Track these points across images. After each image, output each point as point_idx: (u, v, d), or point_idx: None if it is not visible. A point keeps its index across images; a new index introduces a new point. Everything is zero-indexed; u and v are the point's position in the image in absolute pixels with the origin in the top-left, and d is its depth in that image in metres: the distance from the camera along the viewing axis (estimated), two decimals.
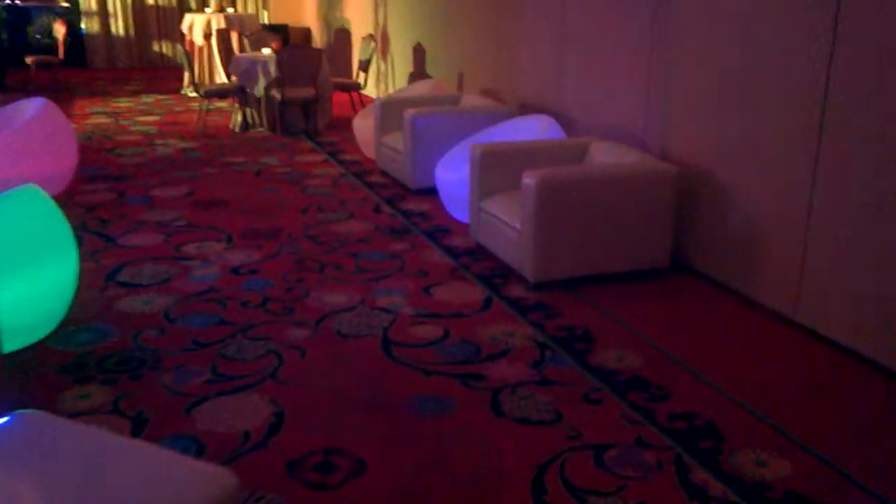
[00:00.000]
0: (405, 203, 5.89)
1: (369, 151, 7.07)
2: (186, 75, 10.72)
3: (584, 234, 4.23)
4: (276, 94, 8.08)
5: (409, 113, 5.93)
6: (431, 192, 5.93)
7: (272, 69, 8.03)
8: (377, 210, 5.72)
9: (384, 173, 6.67)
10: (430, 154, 5.96)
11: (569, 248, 4.23)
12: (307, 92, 8.10)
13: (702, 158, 4.45)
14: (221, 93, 8.50)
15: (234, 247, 4.94)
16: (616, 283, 4.37)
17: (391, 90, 9.98)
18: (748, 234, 4.16)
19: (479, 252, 4.85)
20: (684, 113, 4.59)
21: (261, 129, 8.49)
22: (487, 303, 4.14)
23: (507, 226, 4.42)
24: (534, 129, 5.43)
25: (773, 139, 3.94)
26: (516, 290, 4.29)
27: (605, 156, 4.70)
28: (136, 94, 11.19)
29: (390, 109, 6.52)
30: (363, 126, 7.12)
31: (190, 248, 4.89)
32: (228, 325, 3.84)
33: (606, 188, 4.23)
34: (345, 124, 8.68)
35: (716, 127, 4.33)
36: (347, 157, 7.37)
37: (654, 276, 4.46)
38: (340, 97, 9.28)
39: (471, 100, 6.53)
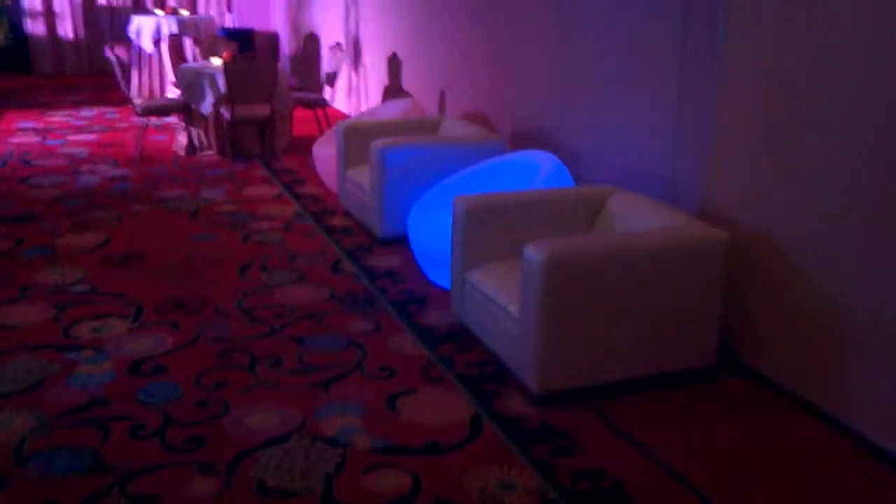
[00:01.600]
0: (371, 257, 4.74)
1: (332, 184, 5.92)
2: (135, 85, 9.51)
3: (605, 326, 3.10)
4: (224, 112, 6.91)
5: (378, 144, 4.78)
6: (403, 241, 4.80)
7: (222, 83, 6.86)
8: (336, 268, 4.56)
9: (348, 214, 5.52)
10: (403, 196, 4.82)
11: (585, 345, 3.10)
12: (261, 110, 6.94)
13: (763, 218, 3.33)
14: (163, 110, 7.31)
15: (142, 326, 3.77)
16: (650, 392, 3.24)
17: (364, 107, 8.83)
18: (834, 329, 3.04)
19: (462, 336, 3.71)
20: (736, 154, 3.46)
21: (209, 152, 7.31)
22: (475, 426, 3.00)
23: (502, 310, 3.29)
24: (533, 171, 4.30)
25: (881, 195, 2.82)
26: (514, 404, 3.15)
27: (629, 214, 3.58)
28: (77, 105, 9.96)
29: (355, 137, 5.37)
30: (324, 155, 5.96)
31: (83, 330, 3.72)
32: (104, 471, 2.68)
33: (636, 264, 3.10)
34: (307, 146, 7.50)
35: (788, 174, 3.20)
36: (306, 189, 6.21)
37: (698, 379, 3.34)
38: (304, 114, 8.12)
39: (453, 127, 5.39)
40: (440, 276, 4.22)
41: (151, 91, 9.43)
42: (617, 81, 4.34)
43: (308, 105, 7.82)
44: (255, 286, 4.28)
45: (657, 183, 4.06)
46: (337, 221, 5.43)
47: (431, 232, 4.21)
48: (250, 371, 3.37)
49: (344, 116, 8.99)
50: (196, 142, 7.34)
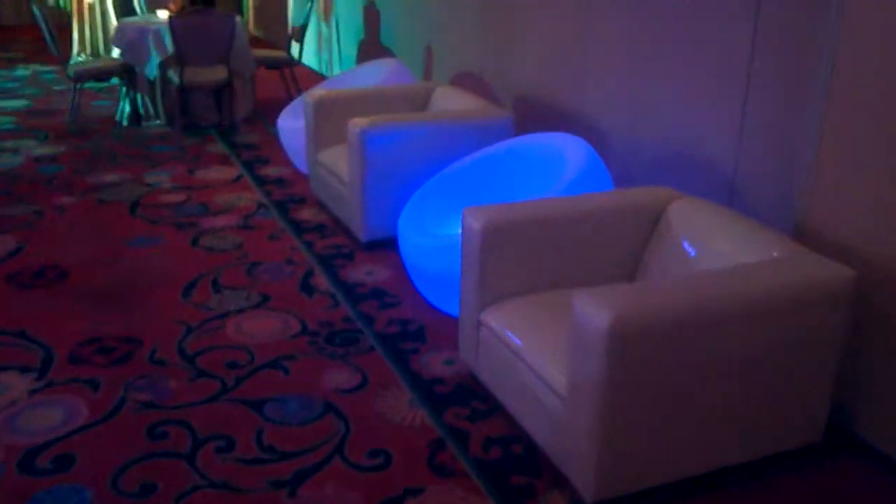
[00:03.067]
0: (352, 269, 3.79)
1: (302, 164, 4.93)
2: (76, 44, 8.35)
3: (686, 406, 2.20)
4: (173, 76, 5.85)
5: (357, 126, 3.80)
6: (392, 245, 3.86)
7: (169, 42, 5.79)
8: (307, 286, 3.61)
9: (321, 206, 4.55)
10: (390, 189, 3.87)
11: (660, 434, 2.20)
12: (216, 73, 5.88)
13: (892, 247, 2.42)
14: (100, 74, 6.22)
15: (49, 386, 2.82)
16: (735, 485, 2.36)
17: (337, 66, 7.76)
18: None
19: (477, 394, 2.80)
20: (854, 159, 2.54)
21: (157, 122, 6.26)
22: None
23: (538, 378, 2.37)
24: (557, 163, 3.35)
25: None
26: None
27: (701, 233, 2.65)
28: (10, 63, 8.79)
29: (328, 111, 4.38)
30: (292, 130, 4.95)
31: None
32: None
33: (734, 322, 2.18)
34: (273, 113, 6.47)
35: None
36: (271, 170, 5.22)
37: (799, 464, 2.46)
38: (269, 75, 7.06)
39: (448, 97, 4.40)
40: (441, 298, 3.30)
41: (94, 49, 8.28)
42: (660, 43, 3.38)
43: (274, 65, 6.76)
44: (203, 315, 3.32)
45: (713, 183, 3.14)
46: (308, 215, 4.45)
47: (428, 241, 3.27)
48: (189, 462, 2.44)
49: (315, 76, 7.93)
50: (141, 110, 6.28)
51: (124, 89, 6.27)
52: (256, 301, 3.45)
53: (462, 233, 2.73)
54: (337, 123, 4.34)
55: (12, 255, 3.90)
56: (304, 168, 4.92)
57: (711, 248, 2.58)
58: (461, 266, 2.77)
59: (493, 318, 2.64)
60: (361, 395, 2.80)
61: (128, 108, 6.27)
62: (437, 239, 3.23)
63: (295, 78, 6.83)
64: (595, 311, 2.07)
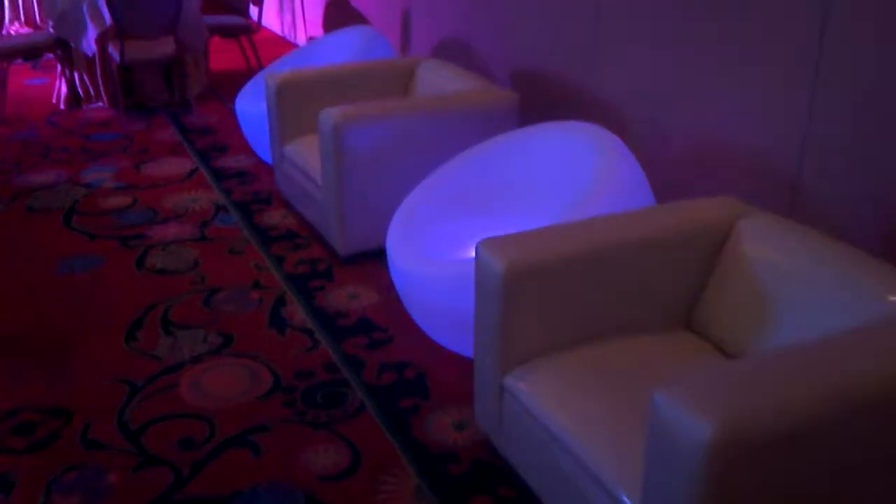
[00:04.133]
0: (332, 292, 3.16)
1: (265, 151, 4.25)
2: (7, 13, 7.48)
3: None
4: (112, 51, 5.10)
5: (331, 118, 3.13)
6: (376, 259, 3.24)
7: (107, 12, 5.03)
8: (278, 319, 2.98)
9: (289, 206, 3.89)
10: (373, 192, 3.23)
11: None
12: (161, 47, 5.14)
13: None
14: (28, 51, 5.44)
15: None
16: None
17: (301, 30, 7.01)
18: None
19: (502, 473, 2.20)
20: None
21: (98, 104, 5.52)
22: None
23: (590, 475, 1.78)
24: (577, 165, 2.71)
25: None
26: None
27: (790, 275, 2.05)
28: None
29: (293, 95, 3.70)
30: (252, 114, 4.26)
31: None
32: None
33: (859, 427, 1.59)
34: (230, 88, 5.76)
35: None
36: (231, 161, 4.53)
37: None
38: (225, 45, 6.30)
39: (436, 75, 3.73)
40: (445, 335, 2.68)
41: (29, 20, 7.44)
42: (696, 5, 2.73)
43: (229, 33, 6.00)
44: (151, 368, 2.68)
45: (770, 186, 2.54)
46: (276, 218, 3.79)
47: (425, 269, 2.64)
48: None
49: (278, 42, 7.16)
50: (82, 91, 5.52)
51: (59, 67, 5.49)
52: (217, 344, 2.81)
53: (477, 274, 2.10)
54: (305, 109, 3.68)
55: None
56: (268, 157, 4.24)
57: (808, 303, 1.97)
58: (476, 316, 2.15)
59: (522, 386, 2.03)
60: (353, 482, 2.19)
61: (64, 89, 5.50)
62: (437, 267, 2.60)
63: (254, 46, 6.08)
64: (689, 418, 1.46)
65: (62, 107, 5.48)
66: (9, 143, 4.84)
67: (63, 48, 5.34)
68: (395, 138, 3.19)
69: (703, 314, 2.19)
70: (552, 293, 2.07)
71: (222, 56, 6.38)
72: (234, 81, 5.92)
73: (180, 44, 5.19)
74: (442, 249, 2.82)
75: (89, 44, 5.23)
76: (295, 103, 3.68)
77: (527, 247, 2.08)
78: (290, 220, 3.76)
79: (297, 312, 3.01)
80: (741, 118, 2.65)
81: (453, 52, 4.40)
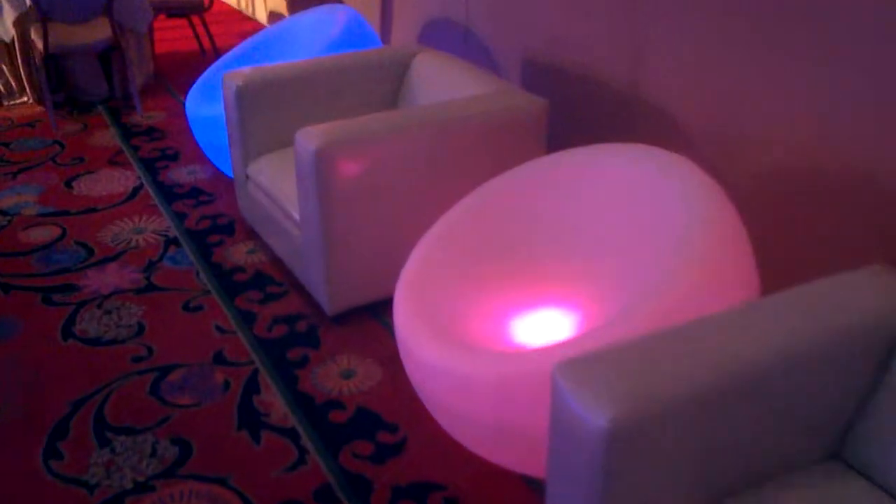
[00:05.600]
0: (319, 367, 2.44)
1: (224, 161, 3.49)
2: None
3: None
4: (35, 38, 4.25)
5: (312, 142, 2.37)
6: (372, 314, 2.53)
7: None
8: (251, 416, 2.25)
9: (255, 236, 3.14)
10: (368, 235, 2.49)
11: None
12: (95, 32, 4.30)
13: None
14: None
15: None
16: None
17: (262, 9, 6.16)
18: None
19: None
20: None
21: (23, 100, 4.67)
22: None
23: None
24: (660, 210, 2.01)
25: None
26: None
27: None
28: None
29: (259, 99, 2.93)
30: (207, 120, 3.48)
31: None
32: None
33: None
34: (180, 76, 4.95)
35: None
36: (182, 173, 3.75)
37: None
38: (172, 25, 5.46)
39: (435, 73, 2.97)
40: (486, 445, 1.98)
41: None
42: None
43: (177, 12, 5.16)
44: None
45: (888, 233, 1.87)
46: (240, 255, 3.04)
47: (456, 352, 1.93)
48: None
49: (235, 19, 6.31)
50: (2, 86, 4.66)
51: None
52: (170, 459, 2.08)
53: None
54: (273, 117, 2.93)
55: None
56: (228, 169, 3.48)
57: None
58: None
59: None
60: None
61: None
62: (473, 363, 1.89)
63: (206, 24, 5.25)
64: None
65: None
66: None
67: None
68: (395, 164, 2.46)
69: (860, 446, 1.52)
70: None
71: (168, 35, 5.55)
72: (185, 67, 5.11)
73: (119, 27, 4.36)
74: (471, 328, 2.11)
75: (5, 28, 4.37)
76: (261, 110, 2.92)
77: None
78: (259, 258, 3.01)
79: (275, 402, 2.28)
80: (844, 132, 1.96)
81: (446, 39, 3.65)
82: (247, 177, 2.98)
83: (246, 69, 2.92)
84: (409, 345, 1.99)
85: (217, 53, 5.28)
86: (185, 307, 2.73)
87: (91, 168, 3.80)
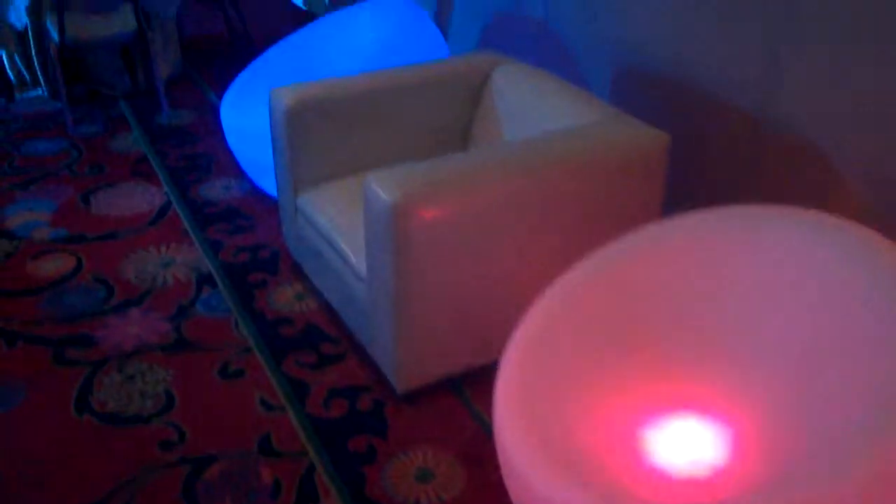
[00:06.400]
0: (390, 464, 1.98)
1: (264, 177, 3.02)
2: None
3: None
4: (51, 28, 3.78)
5: (391, 194, 1.87)
6: (452, 393, 2.07)
7: None
8: None
9: (302, 276, 2.67)
10: (451, 300, 2.02)
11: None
12: (116, 22, 3.83)
13: None
14: None
15: None
16: None
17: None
18: None
19: None
20: None
21: (37, 92, 4.21)
22: None
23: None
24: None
25: None
26: None
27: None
28: None
29: (312, 121, 2.43)
30: (245, 132, 3.01)
31: None
32: None
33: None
34: (212, 65, 4.47)
35: None
36: (216, 188, 3.28)
37: None
38: (203, 6, 4.97)
39: (523, 93, 2.46)
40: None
41: None
42: None
43: None
44: None
45: None
46: (286, 301, 2.58)
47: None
48: None
49: (269, 2, 5.78)
50: (14, 78, 4.20)
51: None
52: None
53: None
54: (329, 141, 2.45)
55: None
56: (268, 186, 3.02)
57: None
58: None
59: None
60: None
61: None
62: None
63: (239, 9, 4.76)
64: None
65: None
66: None
67: None
68: (484, 215, 1.97)
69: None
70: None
71: (192, 18, 5.05)
72: (214, 56, 4.63)
73: (145, 16, 3.88)
74: (593, 438, 1.64)
75: (18, 17, 3.90)
76: (314, 133, 2.43)
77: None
78: (308, 306, 2.55)
79: None
80: None
81: (515, 38, 3.14)
82: (296, 209, 2.50)
83: (296, 86, 2.43)
84: (520, 472, 1.52)
85: (249, 39, 4.80)
86: (223, 372, 2.27)
87: (111, 180, 3.34)
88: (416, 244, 1.90)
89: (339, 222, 2.28)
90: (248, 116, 3.01)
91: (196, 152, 3.58)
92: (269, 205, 3.09)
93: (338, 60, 3.14)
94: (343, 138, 2.47)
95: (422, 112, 2.54)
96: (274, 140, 2.50)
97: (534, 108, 2.39)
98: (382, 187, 1.88)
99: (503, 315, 2.07)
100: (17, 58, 4.10)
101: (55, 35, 3.67)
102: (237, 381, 2.24)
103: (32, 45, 4.00)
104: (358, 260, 2.14)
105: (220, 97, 3.93)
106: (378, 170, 1.96)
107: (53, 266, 2.75)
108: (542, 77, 2.47)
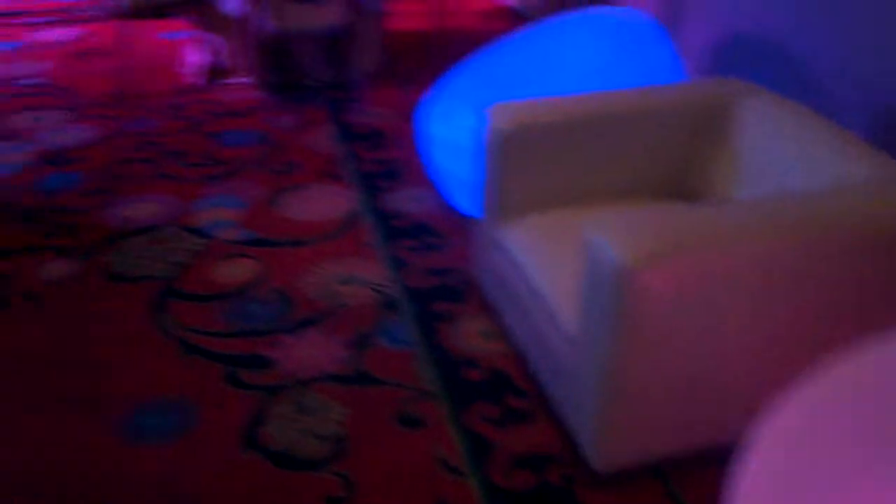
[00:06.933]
0: None
1: (461, 192, 2.78)
2: None
3: None
4: (265, 17, 3.72)
5: (622, 254, 1.57)
6: (656, 480, 1.73)
7: None
8: None
9: (490, 312, 2.40)
10: (677, 375, 1.69)
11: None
12: (329, 13, 3.72)
13: None
14: (159, 8, 4.14)
15: None
16: None
17: None
18: None
19: None
20: None
21: (241, 80, 4.19)
22: None
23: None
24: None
25: None
26: None
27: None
28: None
29: (528, 148, 2.16)
30: (452, 144, 2.78)
31: None
32: None
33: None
34: (410, 62, 4.31)
35: None
36: (407, 199, 3.09)
37: None
38: (411, 7, 4.84)
39: (780, 135, 2.07)
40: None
41: None
42: None
43: None
44: None
45: None
46: (471, 338, 2.33)
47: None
48: None
49: (493, 11, 5.57)
50: (224, 59, 4.20)
51: (198, 29, 4.20)
52: None
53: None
54: (542, 170, 2.18)
55: None
56: (462, 204, 2.79)
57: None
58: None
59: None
60: None
61: (198, 58, 4.21)
62: None
63: (448, 13, 4.57)
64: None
65: (197, 80, 4.18)
66: (116, 138, 3.59)
67: (198, 5, 4.02)
68: (728, 284, 1.63)
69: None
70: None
71: (399, 16, 4.91)
72: (412, 53, 4.47)
73: (356, 8, 3.75)
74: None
75: (232, 1, 3.88)
76: (528, 161, 2.17)
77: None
78: (496, 348, 2.29)
79: None
80: None
81: (758, 62, 2.73)
82: (494, 241, 2.24)
83: (517, 105, 2.16)
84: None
85: (448, 37, 4.60)
86: (400, 418, 2.05)
87: (302, 180, 3.22)
88: (646, 313, 1.59)
89: (544, 267, 2.00)
90: (448, 126, 2.79)
91: (389, 157, 3.41)
92: (461, 223, 2.85)
93: (553, 73, 2.84)
94: (555, 165, 2.18)
95: (648, 143, 2.21)
96: (484, 161, 2.24)
97: (788, 152, 2.00)
98: (611, 243, 1.57)
99: (734, 396, 1.73)
100: (225, 44, 4.09)
101: (267, 23, 3.60)
102: (415, 432, 2.01)
103: (244, 33, 3.97)
104: (566, 317, 1.85)
105: (418, 97, 3.75)
106: (600, 216, 1.66)
107: (236, 272, 2.64)
108: (802, 115, 2.07)
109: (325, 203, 3.06)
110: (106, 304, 2.48)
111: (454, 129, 2.73)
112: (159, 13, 4.15)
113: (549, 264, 1.98)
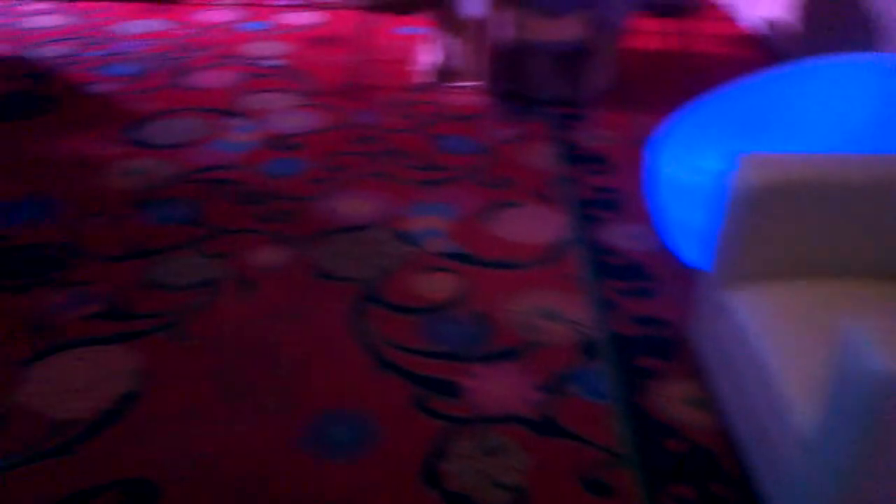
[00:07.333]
0: None
1: (684, 236, 2.56)
2: None
3: None
4: (504, 25, 3.64)
5: (871, 377, 1.34)
6: None
7: None
8: None
9: (700, 378, 2.18)
10: None
11: None
12: (566, 28, 3.59)
13: None
14: (399, 3, 4.17)
15: None
16: None
17: (751, 12, 5.04)
18: None
19: None
20: None
21: (467, 84, 4.15)
22: None
23: None
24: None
25: None
26: None
27: None
28: None
29: (780, 208, 1.93)
30: (672, 179, 2.57)
31: None
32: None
33: None
34: (638, 87, 4.09)
35: None
36: (622, 234, 2.90)
37: None
38: (646, 24, 4.59)
39: None
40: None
41: None
42: None
43: (666, 9, 4.26)
44: None
45: None
46: (674, 405, 2.13)
47: None
48: None
49: (727, 34, 5.25)
50: (452, 62, 4.18)
51: (436, 29, 4.20)
52: None
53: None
54: (789, 232, 1.94)
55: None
56: (683, 251, 2.57)
57: None
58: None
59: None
60: None
61: (430, 58, 4.21)
62: None
63: (689, 35, 4.30)
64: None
65: (429, 80, 4.18)
66: (340, 129, 3.64)
67: (439, 5, 4.00)
68: None
69: None
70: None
71: (634, 38, 4.69)
72: (648, 75, 4.24)
73: (597, 25, 3.59)
74: None
75: (474, 5, 3.83)
76: (777, 219, 1.94)
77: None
78: (703, 421, 2.08)
79: None
80: None
81: None
82: (721, 306, 2.03)
83: (771, 158, 1.93)
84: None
85: (689, 62, 4.33)
86: (586, 481, 1.89)
87: (516, 198, 3.11)
88: None
89: (779, 348, 1.76)
90: (681, 166, 2.58)
91: (609, 185, 3.23)
92: (680, 272, 2.64)
93: (809, 124, 2.56)
94: (805, 231, 1.94)
95: None
96: (725, 215, 2.03)
97: None
98: (874, 344, 1.34)
99: None
100: (458, 46, 4.06)
101: (507, 32, 3.53)
102: (602, 500, 1.85)
103: (481, 38, 3.92)
104: (800, 416, 1.61)
105: (649, 123, 3.54)
106: (860, 302, 1.43)
107: (438, 286, 2.57)
108: None
109: (534, 225, 2.93)
110: (308, 301, 2.49)
111: (688, 170, 2.52)
112: (400, 8, 4.18)
113: (786, 347, 1.75)
